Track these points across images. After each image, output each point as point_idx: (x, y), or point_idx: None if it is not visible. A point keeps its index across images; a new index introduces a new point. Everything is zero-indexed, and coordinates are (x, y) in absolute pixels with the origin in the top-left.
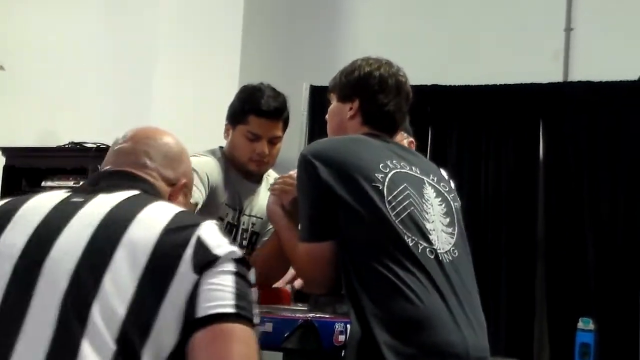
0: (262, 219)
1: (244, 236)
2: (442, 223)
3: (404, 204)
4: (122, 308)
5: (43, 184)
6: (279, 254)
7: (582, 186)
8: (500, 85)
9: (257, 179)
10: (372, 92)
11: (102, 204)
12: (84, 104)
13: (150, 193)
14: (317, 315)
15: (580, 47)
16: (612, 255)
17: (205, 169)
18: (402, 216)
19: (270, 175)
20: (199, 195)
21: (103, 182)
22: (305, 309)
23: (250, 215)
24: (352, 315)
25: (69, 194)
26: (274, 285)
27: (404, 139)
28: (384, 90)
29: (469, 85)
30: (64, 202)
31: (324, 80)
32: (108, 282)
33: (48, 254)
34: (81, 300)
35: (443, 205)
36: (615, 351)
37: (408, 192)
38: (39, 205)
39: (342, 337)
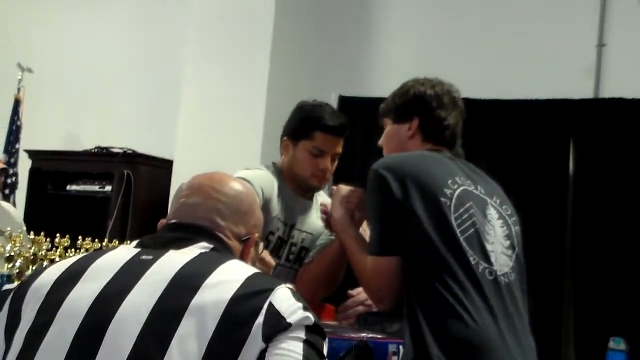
0: (312, 234)
1: (292, 250)
2: (502, 245)
3: (469, 222)
4: None
5: (68, 187)
6: (328, 274)
7: (613, 203)
8: (531, 100)
9: (310, 196)
10: (430, 109)
11: (171, 263)
12: (111, 110)
13: (222, 250)
14: (370, 336)
15: (612, 63)
16: None
17: (260, 182)
18: (466, 234)
19: (321, 195)
20: None
21: (173, 234)
22: (354, 327)
23: (301, 230)
24: (408, 333)
25: (138, 249)
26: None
27: None
28: (441, 106)
29: (500, 100)
30: (133, 260)
31: (353, 91)
32: (175, 350)
33: (114, 316)
34: None
35: (504, 228)
36: None
37: (473, 210)
38: (109, 263)
39: (395, 358)
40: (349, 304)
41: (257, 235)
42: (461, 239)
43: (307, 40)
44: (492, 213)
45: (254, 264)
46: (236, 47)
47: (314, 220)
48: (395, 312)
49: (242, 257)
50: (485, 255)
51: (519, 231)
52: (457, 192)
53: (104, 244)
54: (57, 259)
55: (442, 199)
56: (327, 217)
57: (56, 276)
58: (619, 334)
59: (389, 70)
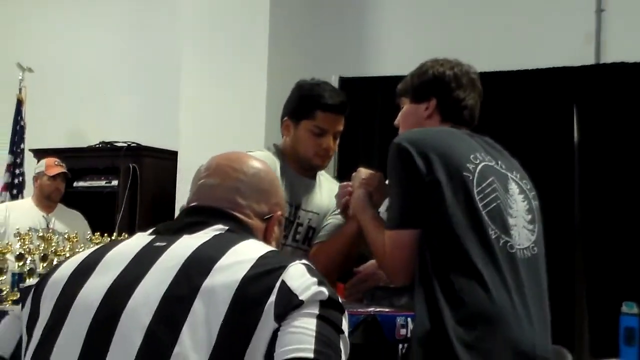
0: (318, 214)
1: (299, 230)
2: (524, 219)
3: (491, 196)
4: None
5: (75, 184)
6: (343, 255)
7: (619, 168)
8: (533, 69)
9: (313, 175)
10: (449, 90)
11: (183, 248)
12: (113, 104)
13: (238, 231)
14: (378, 310)
15: (612, 28)
16: None
17: None
18: (488, 208)
19: (323, 174)
20: None
21: (188, 218)
22: (363, 303)
23: (307, 211)
24: (422, 306)
25: (153, 236)
26: None
27: None
28: (460, 87)
29: (501, 71)
30: (146, 248)
31: (353, 72)
32: (186, 336)
33: (125, 306)
34: (157, 357)
35: (525, 202)
36: None
37: (495, 185)
38: (122, 253)
39: (403, 331)
40: (356, 281)
41: (279, 213)
42: (483, 212)
43: (307, 24)
44: (513, 188)
45: (278, 243)
46: (234, 34)
47: (319, 199)
48: (403, 286)
49: (266, 235)
50: (507, 230)
51: (539, 206)
52: (480, 167)
53: (113, 237)
54: (68, 254)
55: (465, 174)
56: (349, 198)
57: (72, 270)
58: (632, 299)
59: (388, 49)
